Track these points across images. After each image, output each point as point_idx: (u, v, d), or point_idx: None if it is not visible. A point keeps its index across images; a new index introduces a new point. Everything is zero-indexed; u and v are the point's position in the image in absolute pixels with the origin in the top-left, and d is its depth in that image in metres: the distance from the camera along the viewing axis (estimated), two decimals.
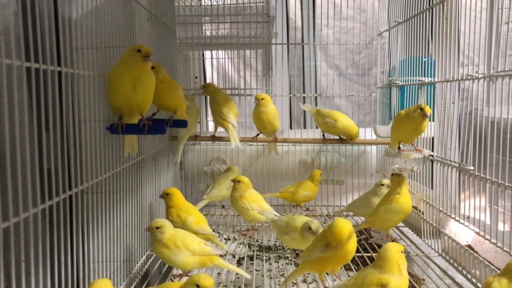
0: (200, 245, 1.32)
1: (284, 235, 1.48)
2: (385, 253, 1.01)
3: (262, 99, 1.85)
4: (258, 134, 1.99)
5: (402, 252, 1.02)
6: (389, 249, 1.02)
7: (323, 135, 2.02)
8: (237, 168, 2.12)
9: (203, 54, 2.83)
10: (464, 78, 1.37)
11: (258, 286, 1.44)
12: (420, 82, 1.72)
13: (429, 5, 1.63)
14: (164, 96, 1.41)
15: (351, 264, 1.53)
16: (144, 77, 1.12)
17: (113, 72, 1.11)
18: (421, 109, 1.45)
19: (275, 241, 1.82)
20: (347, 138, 1.95)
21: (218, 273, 1.55)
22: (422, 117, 1.45)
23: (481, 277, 1.29)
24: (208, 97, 2.01)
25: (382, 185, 1.79)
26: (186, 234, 1.35)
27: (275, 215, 1.73)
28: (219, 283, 1.46)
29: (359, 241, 1.80)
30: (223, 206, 2.25)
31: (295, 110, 2.94)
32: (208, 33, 2.41)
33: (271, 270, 1.54)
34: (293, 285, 1.45)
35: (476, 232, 1.36)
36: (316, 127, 2.90)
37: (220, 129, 2.91)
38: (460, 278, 1.41)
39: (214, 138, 2.05)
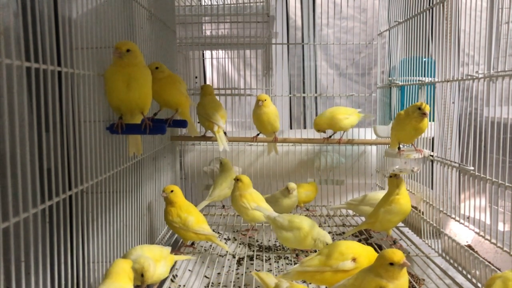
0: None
1: (286, 232, 1.48)
2: (379, 263, 1.00)
3: (265, 100, 1.84)
4: (258, 134, 1.99)
5: (397, 264, 0.97)
6: (384, 259, 0.99)
7: (330, 137, 2.01)
8: (228, 160, 2.10)
9: (203, 54, 2.83)
10: (464, 78, 1.37)
11: (258, 286, 1.44)
12: (420, 82, 1.71)
13: (429, 5, 1.63)
14: (165, 92, 1.41)
15: None
16: (138, 74, 1.12)
17: (107, 72, 1.12)
18: (419, 108, 1.45)
19: (275, 241, 1.82)
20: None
21: (218, 273, 1.55)
22: (421, 117, 1.45)
23: (481, 277, 1.29)
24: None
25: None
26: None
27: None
28: (219, 283, 1.46)
29: (358, 241, 1.80)
30: (223, 206, 2.25)
31: (295, 110, 2.94)
32: (208, 33, 2.41)
33: (271, 270, 1.54)
34: None
35: (476, 232, 1.36)
36: None
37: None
38: (460, 278, 1.41)
39: (205, 137, 2.02)
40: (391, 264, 0.97)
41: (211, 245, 1.76)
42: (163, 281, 1.37)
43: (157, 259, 1.25)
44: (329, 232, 1.95)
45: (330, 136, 2.00)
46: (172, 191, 1.54)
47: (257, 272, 1.21)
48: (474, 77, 1.30)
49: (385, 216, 1.57)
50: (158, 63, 1.44)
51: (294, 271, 1.23)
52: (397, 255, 0.98)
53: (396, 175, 1.57)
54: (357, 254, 1.16)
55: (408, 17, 1.82)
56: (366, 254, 1.17)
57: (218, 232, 1.95)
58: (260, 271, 1.22)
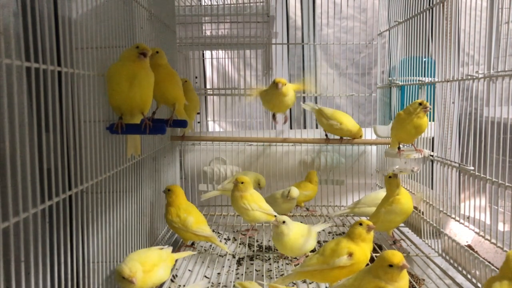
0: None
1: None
2: (379, 264, 1.00)
3: (285, 84, 1.76)
4: (274, 115, 1.95)
5: (396, 266, 0.98)
6: (383, 261, 0.99)
7: (326, 135, 2.02)
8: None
9: (203, 54, 2.83)
10: (464, 78, 1.37)
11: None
12: (420, 82, 1.71)
13: (429, 5, 1.63)
14: (163, 83, 1.38)
15: None
16: (142, 75, 1.12)
17: (110, 70, 1.12)
18: (420, 103, 1.47)
19: None
20: (348, 137, 1.96)
21: (218, 273, 1.55)
22: (424, 112, 1.47)
23: (481, 277, 1.29)
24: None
25: (390, 177, 1.76)
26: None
27: (275, 215, 1.73)
28: (219, 283, 1.46)
29: None
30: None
31: (295, 110, 2.94)
32: (208, 33, 2.41)
33: (271, 270, 1.54)
34: (293, 285, 1.45)
35: (476, 232, 1.36)
36: (317, 127, 2.89)
37: (215, 128, 2.91)
38: (460, 278, 1.41)
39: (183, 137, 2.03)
40: (390, 266, 0.98)
41: (211, 245, 1.76)
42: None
43: (155, 264, 1.23)
44: (329, 232, 1.95)
45: (326, 135, 2.01)
46: (169, 190, 1.56)
47: (240, 282, 1.23)
48: (474, 77, 1.30)
49: (386, 216, 1.57)
50: (159, 48, 1.42)
51: (295, 272, 1.24)
52: (396, 257, 0.98)
53: (395, 175, 1.57)
54: (353, 250, 1.17)
55: (408, 17, 1.82)
56: (362, 250, 1.18)
57: (218, 232, 1.95)
58: (244, 281, 1.23)
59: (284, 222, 1.44)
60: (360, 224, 1.19)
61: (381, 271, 0.99)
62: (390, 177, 1.58)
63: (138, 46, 1.12)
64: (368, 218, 1.67)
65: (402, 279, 0.99)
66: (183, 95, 1.51)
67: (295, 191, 1.88)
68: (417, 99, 1.70)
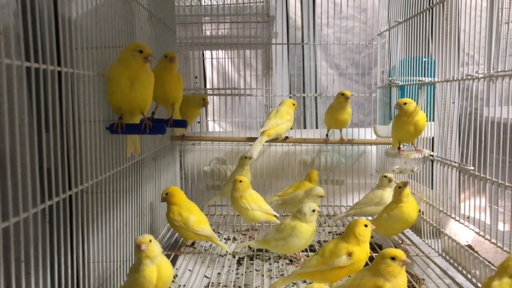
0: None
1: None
2: (380, 259, 1.02)
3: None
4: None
5: (399, 259, 1.00)
6: (385, 254, 1.01)
7: (326, 135, 2.01)
8: (248, 156, 1.96)
9: (203, 54, 2.83)
10: (464, 78, 1.37)
11: (258, 286, 1.44)
12: (420, 82, 1.71)
13: (429, 5, 1.63)
14: (169, 85, 1.41)
15: None
16: (143, 75, 1.13)
17: (111, 70, 1.12)
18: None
19: None
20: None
21: (218, 273, 1.55)
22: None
23: (481, 277, 1.29)
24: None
25: (385, 176, 1.79)
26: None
27: (275, 215, 1.73)
28: (219, 283, 1.46)
29: None
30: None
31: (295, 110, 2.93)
32: (208, 33, 2.41)
33: (271, 270, 1.54)
34: (293, 285, 1.45)
35: (476, 232, 1.36)
36: (317, 127, 2.90)
37: (215, 128, 2.91)
38: (460, 278, 1.41)
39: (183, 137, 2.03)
40: (393, 258, 0.99)
41: (211, 245, 1.76)
42: None
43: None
44: (329, 232, 1.95)
45: (327, 135, 2.00)
46: (167, 193, 1.55)
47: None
48: (474, 77, 1.30)
49: (386, 222, 1.57)
50: (175, 54, 1.43)
51: (295, 273, 1.24)
52: (399, 251, 1.01)
53: (404, 184, 1.55)
54: (352, 249, 1.17)
55: (408, 17, 1.82)
56: (361, 249, 1.18)
57: (218, 232, 1.95)
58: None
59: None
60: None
61: (382, 265, 1.00)
62: (400, 187, 1.56)
63: (141, 50, 1.12)
64: (370, 219, 1.68)
65: (401, 275, 1.00)
66: (181, 96, 1.52)
67: (323, 191, 1.82)
68: (417, 99, 1.71)
